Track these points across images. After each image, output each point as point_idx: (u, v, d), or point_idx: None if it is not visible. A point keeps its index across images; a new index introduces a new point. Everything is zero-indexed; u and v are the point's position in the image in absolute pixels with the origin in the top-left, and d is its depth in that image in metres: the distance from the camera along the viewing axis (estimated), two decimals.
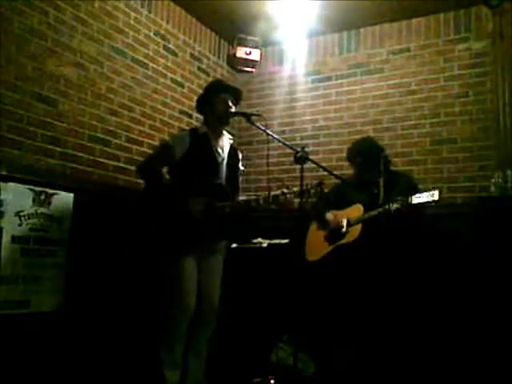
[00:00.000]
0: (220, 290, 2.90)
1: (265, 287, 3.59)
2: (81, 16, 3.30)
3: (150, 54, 3.91)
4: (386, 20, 4.29)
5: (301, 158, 2.51)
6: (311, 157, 2.61)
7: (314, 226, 3.46)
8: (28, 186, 2.86)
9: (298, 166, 2.53)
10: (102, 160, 3.43)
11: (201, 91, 3.10)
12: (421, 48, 4.16)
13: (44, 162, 3.01)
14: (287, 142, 2.74)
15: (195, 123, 4.21)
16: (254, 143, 4.63)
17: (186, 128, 4.11)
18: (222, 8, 4.18)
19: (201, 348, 2.85)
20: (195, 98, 3.14)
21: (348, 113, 4.40)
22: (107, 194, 3.35)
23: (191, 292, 2.72)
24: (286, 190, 2.71)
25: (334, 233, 3.23)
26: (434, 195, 2.74)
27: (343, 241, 3.17)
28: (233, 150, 2.97)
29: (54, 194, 2.99)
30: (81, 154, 3.27)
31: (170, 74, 4.11)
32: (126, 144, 3.64)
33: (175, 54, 4.19)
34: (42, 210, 2.92)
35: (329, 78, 4.54)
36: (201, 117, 3.07)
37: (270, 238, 3.79)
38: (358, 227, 3.10)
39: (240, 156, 3.06)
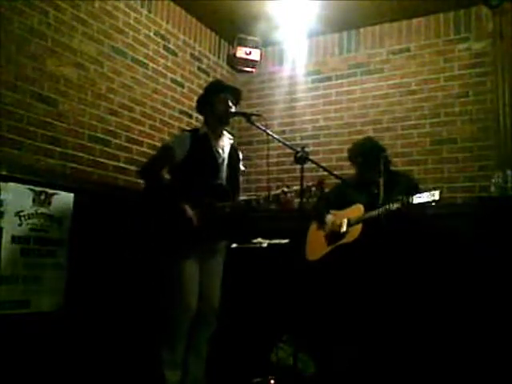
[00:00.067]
0: (220, 291, 2.90)
1: (265, 287, 3.59)
2: (81, 16, 3.30)
3: (150, 54, 3.91)
4: (386, 20, 4.29)
5: (301, 158, 2.51)
6: (311, 157, 2.61)
7: (314, 226, 3.46)
8: (28, 186, 2.86)
9: (298, 166, 2.53)
10: (101, 160, 3.43)
11: (201, 91, 3.11)
12: (421, 48, 4.16)
13: (44, 162, 3.01)
14: (287, 142, 2.74)
15: (195, 123, 4.21)
16: (254, 143, 4.63)
17: (186, 128, 4.11)
18: (222, 8, 4.18)
19: (201, 348, 2.85)
20: (195, 98, 3.14)
21: (348, 113, 4.40)
22: (107, 194, 3.35)
23: (193, 293, 2.72)
24: (286, 189, 2.71)
25: (334, 233, 3.23)
26: (435, 195, 2.74)
27: (343, 240, 3.17)
28: (233, 150, 2.97)
29: (53, 194, 2.99)
30: (81, 154, 3.27)
31: (170, 74, 4.11)
32: (126, 144, 3.64)
33: (175, 54, 4.19)
34: (42, 209, 2.92)
35: (329, 78, 4.54)
36: (201, 117, 3.07)
37: (270, 238, 3.79)
38: (359, 227, 3.10)
39: (241, 156, 3.06)
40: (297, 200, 2.68)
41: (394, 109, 4.19)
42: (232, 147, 2.97)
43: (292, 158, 2.59)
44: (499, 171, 3.46)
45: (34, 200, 2.88)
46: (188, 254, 2.70)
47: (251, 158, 4.43)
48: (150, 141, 3.85)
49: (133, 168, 3.63)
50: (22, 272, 2.80)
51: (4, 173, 2.72)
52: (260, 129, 2.76)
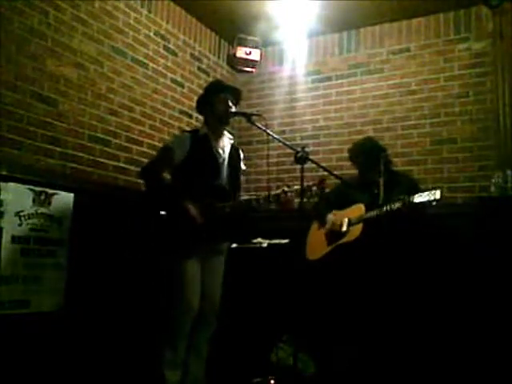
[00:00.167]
0: (221, 291, 2.91)
1: (265, 287, 3.59)
2: (81, 16, 3.30)
3: (150, 54, 3.91)
4: (386, 20, 4.29)
5: (301, 158, 2.51)
6: (311, 157, 2.60)
7: (315, 226, 3.46)
8: (28, 186, 2.86)
9: (299, 166, 2.53)
10: (101, 160, 3.43)
11: (201, 91, 3.11)
12: (421, 48, 4.16)
13: (44, 162, 3.01)
14: (287, 142, 2.74)
15: (195, 123, 4.21)
16: (254, 143, 4.63)
17: (186, 128, 4.12)
18: (222, 8, 4.18)
19: (201, 348, 2.85)
20: (195, 98, 3.14)
21: (348, 113, 4.40)
22: (107, 194, 3.35)
23: (195, 293, 2.72)
24: (286, 189, 2.71)
25: (335, 232, 3.23)
26: (436, 194, 2.74)
27: (344, 240, 3.17)
28: (234, 150, 2.97)
29: (53, 194, 2.99)
30: (81, 154, 3.27)
31: (170, 74, 4.11)
32: (126, 144, 3.64)
33: (175, 54, 4.19)
34: (42, 209, 2.92)
35: (329, 78, 4.54)
36: (201, 117, 3.07)
37: (270, 238, 3.79)
38: (359, 226, 3.10)
39: (242, 155, 3.05)
40: (297, 200, 2.68)
41: (393, 109, 4.19)
42: (232, 147, 2.97)
43: (292, 158, 2.59)
44: (499, 171, 3.46)
45: (34, 200, 2.88)
46: (190, 254, 2.70)
47: (251, 157, 4.43)
48: (149, 141, 3.85)
49: (133, 168, 3.63)
50: (21, 272, 2.80)
51: (4, 173, 2.72)
52: (260, 129, 2.76)
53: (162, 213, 2.73)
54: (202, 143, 2.82)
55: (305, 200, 2.61)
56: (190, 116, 4.28)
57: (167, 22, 4.10)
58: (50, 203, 2.96)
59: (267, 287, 3.58)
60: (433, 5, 4.02)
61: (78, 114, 3.26)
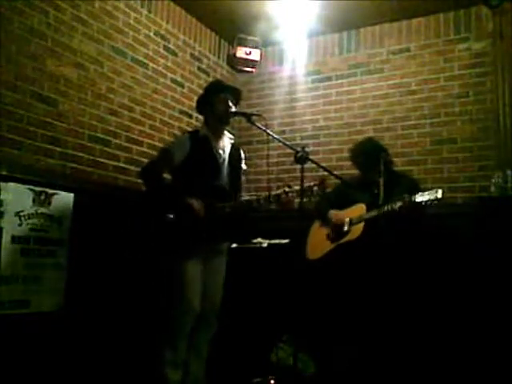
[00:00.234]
0: (222, 291, 2.91)
1: (265, 287, 3.59)
2: (81, 16, 3.30)
3: (150, 54, 3.91)
4: (386, 20, 4.29)
5: (301, 158, 2.51)
6: (311, 157, 2.60)
7: (316, 225, 3.46)
8: (28, 186, 2.86)
9: (299, 166, 2.53)
10: (102, 160, 3.43)
11: (201, 91, 3.10)
12: (421, 48, 4.16)
13: (44, 162, 3.01)
14: (287, 142, 2.73)
15: (195, 123, 4.21)
16: (254, 143, 4.62)
17: (186, 128, 4.12)
18: (222, 8, 4.18)
19: (201, 348, 2.85)
20: (195, 98, 3.14)
21: (348, 113, 4.40)
22: (107, 194, 3.35)
23: (196, 294, 2.72)
24: (287, 189, 2.71)
25: (336, 231, 3.23)
26: (438, 193, 2.74)
27: (345, 239, 3.17)
28: (234, 150, 2.97)
29: (54, 194, 2.99)
30: (81, 154, 3.27)
31: (170, 74, 4.11)
32: (126, 144, 3.64)
33: (175, 54, 4.19)
34: (42, 209, 2.92)
35: (329, 78, 4.54)
36: (201, 117, 3.07)
37: (270, 238, 3.79)
38: (361, 226, 3.09)
39: (243, 155, 3.05)
40: (298, 200, 2.68)
41: (393, 109, 4.19)
42: (233, 147, 2.97)
43: (292, 158, 2.59)
44: (499, 171, 3.46)
45: (34, 200, 2.88)
46: (191, 254, 2.70)
47: (251, 157, 4.42)
48: (149, 141, 3.85)
49: (133, 168, 3.63)
50: (21, 272, 2.80)
51: (4, 173, 2.72)
52: (260, 129, 2.76)
53: (162, 213, 2.73)
54: (201, 144, 2.82)
55: (306, 200, 2.61)
56: (190, 116, 4.28)
57: (167, 22, 4.10)
58: (50, 203, 2.96)
59: (267, 287, 3.58)
60: (433, 5, 4.02)
61: (78, 114, 3.26)
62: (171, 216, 2.70)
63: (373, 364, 2.98)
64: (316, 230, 3.44)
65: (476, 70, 3.90)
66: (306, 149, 2.57)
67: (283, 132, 4.54)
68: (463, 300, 3.32)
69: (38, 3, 3.00)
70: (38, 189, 2.91)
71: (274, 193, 2.73)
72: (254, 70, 4.73)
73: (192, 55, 4.39)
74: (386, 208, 2.95)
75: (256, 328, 3.51)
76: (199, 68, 4.47)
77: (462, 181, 3.82)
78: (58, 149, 3.11)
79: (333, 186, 3.42)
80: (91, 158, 3.34)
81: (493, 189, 3.43)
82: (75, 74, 3.25)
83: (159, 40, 4.00)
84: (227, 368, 3.18)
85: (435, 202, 2.76)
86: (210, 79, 4.37)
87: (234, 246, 3.57)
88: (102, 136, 3.43)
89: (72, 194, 3.08)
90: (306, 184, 2.65)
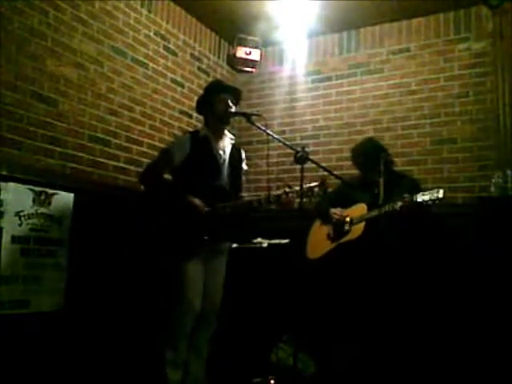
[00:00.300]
0: (222, 291, 2.91)
1: (265, 287, 3.59)
2: (81, 16, 3.30)
3: (150, 54, 3.91)
4: (386, 20, 4.29)
5: (301, 158, 2.51)
6: (311, 157, 2.61)
7: (316, 225, 3.46)
8: (28, 186, 2.86)
9: (299, 166, 2.53)
10: (102, 160, 3.43)
11: (201, 91, 3.11)
12: (421, 48, 4.16)
13: (44, 162, 3.01)
14: (287, 142, 2.74)
15: (195, 123, 4.22)
16: (254, 143, 4.62)
17: (186, 128, 4.13)
18: (222, 8, 4.18)
19: (202, 348, 2.85)
20: (195, 98, 3.15)
21: (348, 113, 4.40)
22: (107, 194, 3.35)
23: (197, 294, 2.72)
24: (288, 190, 2.71)
25: (337, 231, 3.23)
26: (440, 193, 2.74)
27: (345, 238, 3.17)
28: (235, 150, 2.97)
29: (54, 194, 2.99)
30: (81, 154, 3.27)
31: (170, 74, 4.11)
32: (126, 144, 3.64)
33: (175, 54, 4.18)
34: (42, 209, 2.92)
35: (329, 78, 4.54)
36: (201, 117, 3.07)
37: (270, 238, 3.79)
38: (361, 225, 3.10)
39: (243, 156, 3.05)
40: (298, 200, 2.67)
41: (393, 109, 4.19)
42: (234, 147, 2.97)
43: (292, 158, 2.59)
44: (499, 171, 3.47)
45: (34, 200, 2.88)
46: (191, 254, 2.70)
47: (251, 157, 4.42)
48: (149, 141, 3.85)
49: (133, 168, 3.64)
50: (22, 272, 2.80)
51: (4, 173, 2.72)
52: (260, 129, 2.76)
53: (163, 213, 2.74)
54: (202, 144, 2.82)
55: (306, 200, 2.61)
56: (190, 116, 4.28)
57: (167, 22, 4.10)
58: (50, 203, 2.96)
59: (267, 287, 3.58)
60: (433, 5, 4.02)
61: (78, 114, 3.26)
62: (170, 217, 2.70)
63: (373, 364, 2.98)
64: (316, 230, 3.44)
65: (476, 70, 3.90)
66: (306, 149, 2.58)
67: (283, 132, 4.54)
68: (463, 300, 3.32)
69: (37, 3, 3.00)
70: (37, 189, 2.91)
71: (274, 193, 2.73)
72: (254, 69, 4.73)
73: (192, 55, 4.39)
74: (386, 208, 2.95)
75: (256, 328, 3.51)
76: (199, 68, 4.47)
77: (462, 181, 3.82)
78: (58, 149, 3.11)
79: (333, 186, 3.42)
80: (91, 157, 3.34)
81: (493, 189, 3.43)
82: (75, 74, 3.25)
83: (159, 40, 4.00)
84: (227, 368, 3.18)
85: (436, 201, 2.76)
86: (210, 79, 4.37)
87: (234, 246, 3.57)
88: (101, 136, 3.43)
89: (72, 194, 3.08)
90: (307, 185, 2.65)
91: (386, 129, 4.18)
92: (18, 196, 2.80)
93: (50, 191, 2.97)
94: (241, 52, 4.59)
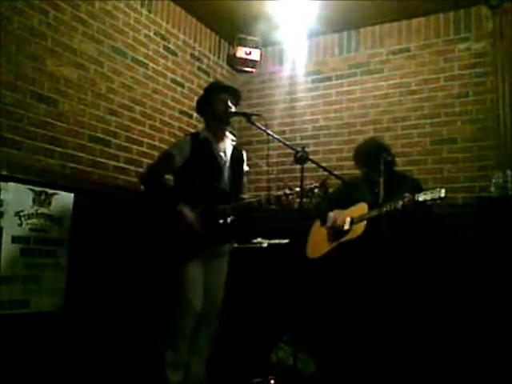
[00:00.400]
0: (223, 292, 2.91)
1: (265, 287, 3.59)
2: (81, 16, 3.30)
3: (150, 54, 3.91)
4: (386, 20, 4.29)
5: (301, 158, 2.51)
6: (311, 157, 2.60)
7: (317, 224, 3.46)
8: (28, 186, 2.86)
9: (299, 166, 2.53)
10: (102, 160, 3.43)
11: (201, 91, 3.10)
12: (421, 48, 4.16)
13: (44, 162, 3.01)
14: (287, 142, 2.73)
15: (195, 123, 4.22)
16: (254, 143, 4.62)
17: (186, 128, 4.13)
18: (222, 8, 4.18)
19: (202, 348, 2.85)
20: (195, 98, 3.15)
21: (348, 113, 4.40)
22: (107, 194, 3.35)
23: (197, 295, 2.72)
24: (288, 191, 2.70)
25: (337, 231, 3.23)
26: (441, 192, 2.73)
27: (346, 238, 3.17)
28: (236, 152, 2.96)
29: (54, 194, 2.99)
30: (81, 154, 3.27)
31: (170, 74, 4.11)
32: (126, 144, 3.64)
33: (175, 54, 4.18)
34: (42, 210, 2.92)
35: (329, 78, 4.54)
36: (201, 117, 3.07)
37: (270, 238, 3.79)
38: (362, 225, 3.09)
39: (245, 156, 3.04)
40: (298, 200, 2.67)
41: (393, 109, 4.19)
42: (235, 149, 2.96)
43: (292, 158, 2.58)
44: (499, 171, 3.47)
45: (34, 200, 2.88)
46: (191, 256, 2.70)
47: (251, 157, 4.42)
48: (149, 141, 3.85)
49: (133, 168, 3.64)
50: (22, 272, 2.80)
51: (4, 173, 2.72)
52: (260, 129, 2.76)
53: (161, 215, 2.74)
54: (202, 146, 2.82)
55: (307, 201, 2.60)
56: (190, 116, 4.28)
57: (167, 22, 4.10)
58: (50, 203, 2.96)
59: (267, 287, 3.58)
60: (433, 5, 4.01)
61: (78, 114, 3.26)
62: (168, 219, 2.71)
63: (373, 364, 2.98)
64: (317, 229, 3.44)
65: (476, 70, 3.90)
66: (306, 149, 2.57)
67: (283, 132, 4.54)
68: (463, 300, 3.32)
69: (37, 3, 3.00)
70: (37, 189, 2.91)
71: (274, 194, 2.73)
72: (254, 69, 4.73)
73: (192, 55, 4.39)
74: (387, 207, 2.95)
75: (256, 328, 3.51)
76: (199, 68, 4.47)
77: (462, 181, 3.82)
78: (58, 149, 3.11)
79: (334, 186, 3.42)
80: (91, 157, 3.34)
81: (493, 189, 3.43)
82: (75, 74, 3.25)
83: (159, 40, 4.00)
84: (227, 368, 3.18)
85: (438, 201, 2.75)
86: (210, 79, 4.38)
87: (234, 245, 3.57)
88: (101, 136, 3.43)
89: (72, 194, 3.08)
90: (307, 185, 2.64)
91: (386, 129, 4.18)
92: (18, 196, 2.80)
93: (50, 191, 2.97)
94: (241, 52, 4.59)
